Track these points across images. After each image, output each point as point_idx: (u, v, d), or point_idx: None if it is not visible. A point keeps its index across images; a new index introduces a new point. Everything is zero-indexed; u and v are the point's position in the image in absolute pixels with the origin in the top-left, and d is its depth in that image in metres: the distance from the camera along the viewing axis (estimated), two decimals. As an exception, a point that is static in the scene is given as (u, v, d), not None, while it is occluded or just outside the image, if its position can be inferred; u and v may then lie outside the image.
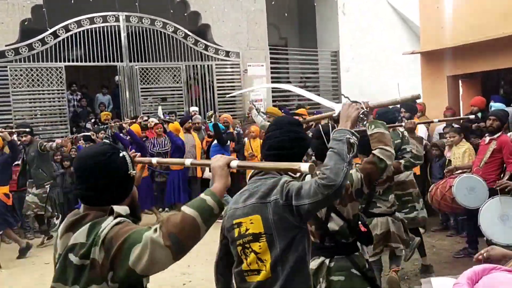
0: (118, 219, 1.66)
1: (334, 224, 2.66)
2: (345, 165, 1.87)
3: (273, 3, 11.29)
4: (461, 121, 6.55)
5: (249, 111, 7.88)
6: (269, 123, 7.67)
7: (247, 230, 2.05)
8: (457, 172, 5.47)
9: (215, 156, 1.86)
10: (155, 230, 1.51)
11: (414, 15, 10.69)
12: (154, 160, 2.35)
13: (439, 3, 8.24)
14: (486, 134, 5.26)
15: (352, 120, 2.12)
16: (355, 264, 2.63)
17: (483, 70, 7.74)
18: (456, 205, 4.74)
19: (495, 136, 5.03)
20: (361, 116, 2.31)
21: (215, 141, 7.91)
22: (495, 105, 6.52)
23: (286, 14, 11.71)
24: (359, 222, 2.73)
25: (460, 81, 8.54)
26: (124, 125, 7.72)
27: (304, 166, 1.69)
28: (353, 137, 1.97)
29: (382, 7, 12.72)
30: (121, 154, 1.78)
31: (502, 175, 5.02)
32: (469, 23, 7.55)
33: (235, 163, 1.80)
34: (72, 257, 1.64)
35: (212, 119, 8.17)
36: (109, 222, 1.63)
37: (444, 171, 5.81)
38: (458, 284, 0.97)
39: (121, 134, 8.27)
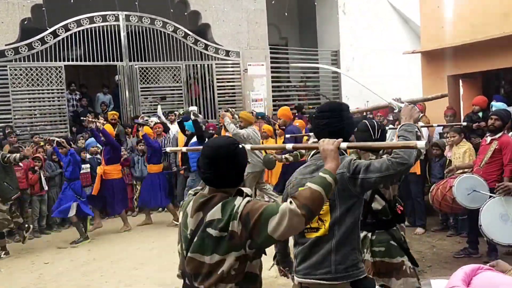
0: (247, 198, 2.01)
1: (377, 204, 3.11)
2: (415, 150, 2.29)
3: (273, 2, 11.28)
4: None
5: (222, 118, 7.72)
6: (243, 129, 7.51)
7: None
8: (457, 172, 5.46)
9: (323, 140, 2.18)
10: (290, 202, 1.88)
11: (414, 14, 10.68)
12: (248, 146, 2.45)
13: (439, 2, 8.21)
14: (488, 134, 5.24)
15: (414, 120, 2.55)
16: (393, 237, 3.06)
17: (484, 69, 7.72)
18: (457, 206, 4.72)
19: (497, 136, 5.00)
20: (419, 117, 2.71)
21: (194, 139, 7.73)
22: (497, 105, 6.50)
23: (286, 14, 11.69)
24: (397, 204, 3.14)
25: (460, 81, 8.52)
26: (97, 124, 7.48)
27: (420, 143, 2.09)
28: (419, 131, 2.55)
29: (382, 7, 12.72)
30: (240, 146, 2.14)
31: (503, 175, 5.00)
32: (469, 22, 7.53)
33: (344, 144, 2.17)
34: (211, 231, 1.98)
35: (192, 116, 7.91)
36: (240, 200, 1.99)
37: (445, 171, 5.79)
38: (456, 287, 0.97)
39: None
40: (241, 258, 1.98)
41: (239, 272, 2.00)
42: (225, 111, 7.98)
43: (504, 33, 6.77)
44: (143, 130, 8.13)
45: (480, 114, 6.90)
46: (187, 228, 2.09)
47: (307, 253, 2.44)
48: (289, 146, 2.50)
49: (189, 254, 2.06)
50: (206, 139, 7.91)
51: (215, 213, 1.99)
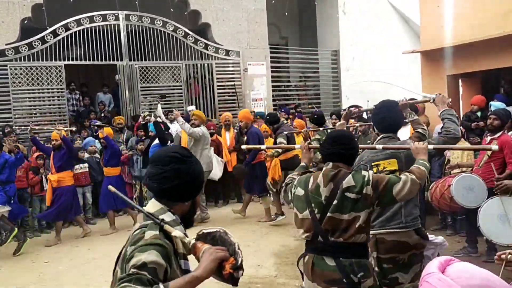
0: (371, 171, 2.81)
1: None
2: (459, 128, 3.32)
3: (273, 2, 11.28)
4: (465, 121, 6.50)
5: (176, 117, 7.64)
6: (197, 128, 7.59)
7: (384, 168, 3.21)
8: (455, 171, 5.47)
9: (414, 143, 3.02)
10: (410, 174, 2.70)
11: (414, 14, 10.68)
12: (380, 146, 3.26)
13: (439, 2, 8.22)
14: (488, 134, 5.23)
15: (447, 105, 3.45)
16: None
17: (483, 69, 7.72)
18: (455, 204, 4.71)
19: (496, 135, 4.99)
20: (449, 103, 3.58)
21: (156, 141, 7.63)
22: (495, 104, 6.48)
23: (286, 14, 11.69)
24: None
25: (460, 80, 8.53)
26: (56, 132, 7.19)
27: (494, 147, 3.22)
28: (456, 113, 3.45)
29: (382, 6, 12.71)
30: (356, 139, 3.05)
31: (506, 169, 4.98)
32: (469, 22, 7.53)
33: (431, 146, 3.03)
34: (349, 194, 2.63)
35: (152, 117, 7.76)
36: (367, 172, 2.72)
37: (446, 167, 5.80)
38: (432, 274, 1.04)
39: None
40: (369, 213, 2.69)
41: (367, 225, 2.69)
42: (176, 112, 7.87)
43: (504, 33, 6.78)
44: (104, 131, 7.66)
45: (479, 113, 6.90)
46: (321, 196, 2.70)
47: (381, 211, 3.15)
48: (379, 147, 3.21)
49: (328, 214, 2.65)
50: (168, 142, 7.76)
51: (349, 181, 2.65)
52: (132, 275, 1.55)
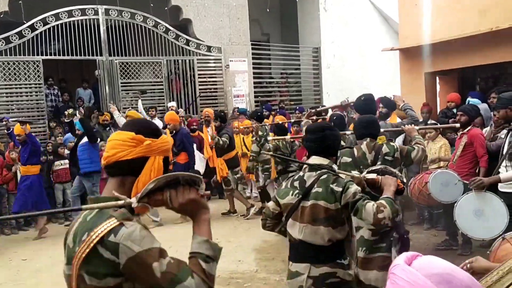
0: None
1: None
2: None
3: (255, -2, 11.28)
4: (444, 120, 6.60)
5: (112, 112, 7.74)
6: None
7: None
8: (434, 165, 5.59)
9: (405, 126, 4.40)
10: (420, 145, 3.85)
11: (393, 12, 10.83)
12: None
13: (417, 0, 8.35)
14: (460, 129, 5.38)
15: (402, 101, 5.20)
16: None
17: (460, 67, 7.88)
18: (433, 200, 4.84)
19: (466, 130, 5.17)
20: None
21: (84, 139, 7.36)
22: (473, 101, 6.63)
23: (268, 10, 11.71)
24: None
25: (437, 78, 8.69)
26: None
27: (457, 125, 5.01)
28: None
29: (362, 4, 12.84)
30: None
31: (477, 170, 5.13)
32: (447, 20, 7.68)
33: (417, 127, 4.34)
34: (387, 157, 3.73)
35: (78, 114, 7.45)
36: (394, 144, 3.91)
37: (427, 161, 5.96)
38: (398, 265, 1.10)
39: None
40: (400, 170, 3.65)
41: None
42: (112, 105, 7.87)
43: (480, 31, 6.92)
44: (27, 128, 7.18)
45: (455, 110, 7.04)
46: (367, 160, 3.76)
47: None
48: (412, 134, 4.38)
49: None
50: (98, 139, 7.52)
51: (386, 149, 3.75)
52: (363, 196, 2.55)
